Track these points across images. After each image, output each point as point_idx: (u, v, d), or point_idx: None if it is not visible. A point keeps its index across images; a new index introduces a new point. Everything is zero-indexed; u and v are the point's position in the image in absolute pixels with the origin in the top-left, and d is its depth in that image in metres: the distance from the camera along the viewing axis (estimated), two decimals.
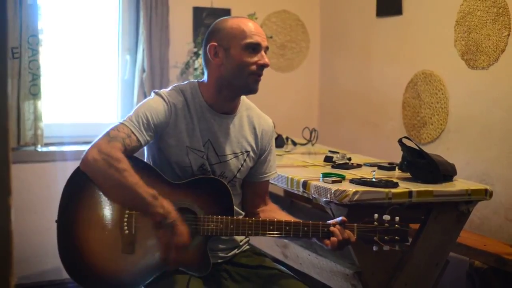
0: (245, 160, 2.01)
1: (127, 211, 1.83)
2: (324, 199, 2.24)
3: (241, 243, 2.06)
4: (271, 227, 1.87)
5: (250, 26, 1.91)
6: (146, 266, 1.84)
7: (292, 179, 2.44)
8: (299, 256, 2.71)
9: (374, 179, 2.27)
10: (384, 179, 2.32)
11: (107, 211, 1.84)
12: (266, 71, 1.95)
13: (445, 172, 2.40)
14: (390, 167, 2.63)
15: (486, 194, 2.35)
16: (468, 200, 2.34)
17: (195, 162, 1.93)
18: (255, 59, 1.90)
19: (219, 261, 1.99)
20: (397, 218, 1.87)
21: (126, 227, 1.83)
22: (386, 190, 2.20)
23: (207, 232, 1.85)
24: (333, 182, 2.28)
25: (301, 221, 1.90)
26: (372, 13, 3.82)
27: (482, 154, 3.05)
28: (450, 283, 3.03)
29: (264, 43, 1.92)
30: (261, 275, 1.99)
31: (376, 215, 1.89)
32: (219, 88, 1.94)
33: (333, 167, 2.66)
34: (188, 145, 1.92)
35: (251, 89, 1.93)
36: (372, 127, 3.87)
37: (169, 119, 1.91)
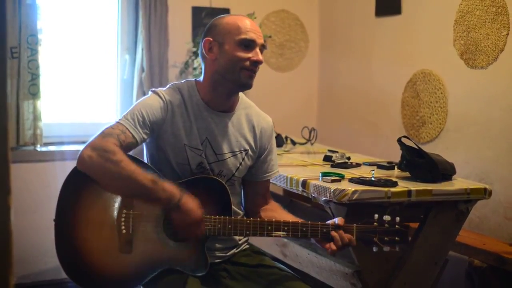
0: (243, 159, 2.00)
1: (124, 211, 1.83)
2: (323, 198, 2.24)
3: (240, 242, 2.05)
4: (269, 228, 1.86)
5: (246, 23, 1.91)
6: (144, 265, 1.84)
7: (291, 179, 2.44)
8: (298, 255, 2.71)
9: (373, 178, 2.28)
10: (383, 178, 2.32)
11: (105, 210, 1.83)
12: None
13: (444, 171, 2.40)
14: (389, 166, 2.63)
15: (485, 193, 2.35)
16: (467, 199, 2.34)
17: (193, 160, 1.93)
18: (249, 55, 1.88)
19: (218, 260, 1.99)
20: (397, 219, 1.86)
21: (123, 227, 1.83)
22: (385, 189, 2.20)
23: (205, 232, 1.84)
24: (332, 181, 2.28)
25: (300, 221, 1.89)
26: (371, 12, 3.82)
27: (481, 153, 3.05)
28: (449, 282, 3.04)
29: (260, 41, 1.91)
30: (261, 274, 1.99)
31: (376, 216, 1.88)
32: (214, 85, 1.93)
33: (332, 166, 2.67)
34: (186, 143, 1.92)
35: (244, 84, 1.91)
36: (371, 126, 3.87)
37: (165, 116, 1.90)
